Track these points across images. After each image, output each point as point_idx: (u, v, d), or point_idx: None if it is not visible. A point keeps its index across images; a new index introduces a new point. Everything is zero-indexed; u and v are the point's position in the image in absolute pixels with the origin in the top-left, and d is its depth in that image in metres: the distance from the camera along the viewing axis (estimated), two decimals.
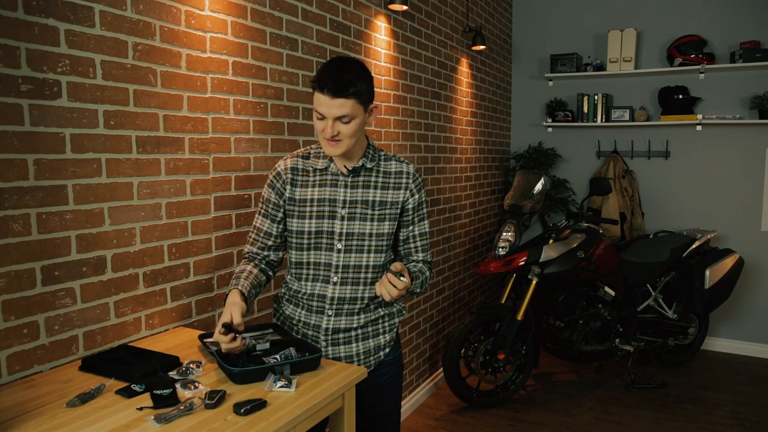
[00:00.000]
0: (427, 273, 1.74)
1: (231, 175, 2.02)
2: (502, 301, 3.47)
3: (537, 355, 3.50)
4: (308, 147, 1.72)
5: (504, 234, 3.45)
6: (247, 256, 1.74)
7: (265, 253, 1.72)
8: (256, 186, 2.12)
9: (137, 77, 1.65)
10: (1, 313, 1.35)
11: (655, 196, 4.56)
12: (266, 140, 2.17)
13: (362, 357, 1.71)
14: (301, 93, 2.34)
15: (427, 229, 1.75)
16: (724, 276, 3.73)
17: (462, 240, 4.03)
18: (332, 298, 1.66)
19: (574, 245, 3.37)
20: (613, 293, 3.60)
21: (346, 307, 1.67)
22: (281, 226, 1.70)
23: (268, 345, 1.55)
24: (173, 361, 1.48)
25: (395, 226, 1.69)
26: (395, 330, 1.79)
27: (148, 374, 1.40)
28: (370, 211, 1.64)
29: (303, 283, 1.69)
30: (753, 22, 4.14)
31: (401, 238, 1.73)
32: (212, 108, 1.93)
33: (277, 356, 1.47)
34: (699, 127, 4.32)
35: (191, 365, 1.45)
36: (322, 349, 1.67)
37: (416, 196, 1.70)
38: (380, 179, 1.67)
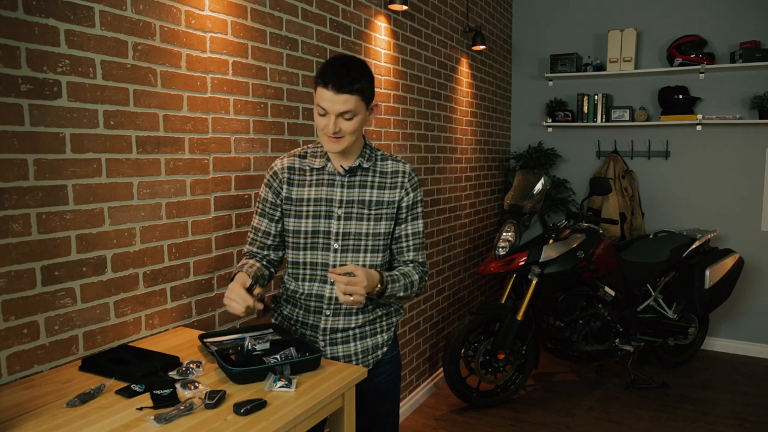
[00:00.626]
0: (415, 276, 1.67)
1: (231, 175, 2.02)
2: (502, 301, 3.47)
3: (537, 355, 3.50)
4: (305, 146, 1.73)
5: (504, 234, 3.45)
6: (247, 255, 1.74)
7: (265, 252, 1.73)
8: (256, 186, 2.12)
9: (137, 77, 1.65)
10: (1, 313, 1.35)
11: (655, 196, 4.56)
12: (266, 140, 2.17)
13: (360, 356, 1.71)
14: (301, 93, 2.34)
15: (421, 229, 1.72)
16: (724, 276, 3.73)
17: (462, 240, 4.03)
18: (330, 298, 1.66)
19: (574, 245, 3.37)
20: (613, 293, 3.60)
21: (344, 307, 1.67)
22: (279, 225, 1.70)
23: (268, 345, 1.55)
24: (173, 361, 1.48)
25: (392, 226, 1.69)
26: (393, 329, 1.79)
27: (148, 374, 1.40)
28: (366, 211, 1.64)
29: (300, 283, 1.69)
30: (753, 22, 4.14)
31: (394, 236, 1.71)
32: (212, 108, 1.93)
33: (277, 356, 1.47)
34: (699, 127, 4.32)
35: (191, 365, 1.45)
36: (321, 349, 1.67)
37: (411, 195, 1.68)
38: (377, 179, 1.66)
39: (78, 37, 1.48)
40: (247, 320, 2.12)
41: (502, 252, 3.41)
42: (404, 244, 1.71)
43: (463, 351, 3.35)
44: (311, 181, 1.66)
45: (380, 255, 1.68)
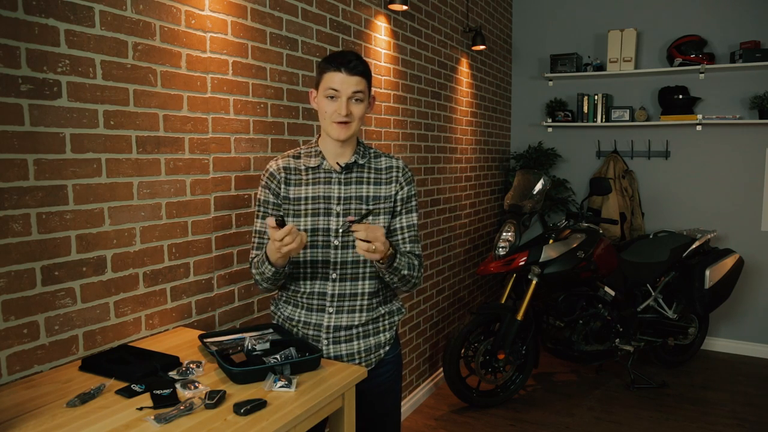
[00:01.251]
0: (415, 262, 1.69)
1: (231, 175, 2.02)
2: (502, 301, 3.47)
3: (537, 355, 3.50)
4: (297, 149, 1.74)
5: (504, 234, 3.45)
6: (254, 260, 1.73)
7: None
8: (256, 186, 2.11)
9: (137, 77, 1.65)
10: (1, 313, 1.35)
11: (655, 196, 4.56)
12: (266, 140, 2.17)
13: (363, 355, 1.71)
14: (301, 93, 2.34)
15: (416, 222, 1.74)
16: (724, 276, 3.74)
17: (462, 240, 4.03)
18: (332, 295, 1.66)
19: (574, 245, 3.37)
20: (613, 293, 3.60)
21: (347, 303, 1.67)
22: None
23: (268, 345, 1.55)
24: (173, 361, 1.48)
25: (389, 220, 1.70)
26: (395, 328, 1.79)
27: (148, 374, 1.40)
28: (365, 207, 1.65)
29: (301, 282, 1.69)
30: (753, 22, 4.14)
31: (390, 229, 1.72)
32: (212, 108, 1.93)
33: (277, 356, 1.47)
34: (699, 127, 4.32)
35: (191, 365, 1.45)
36: (324, 348, 1.67)
37: (405, 189, 1.70)
38: (372, 175, 1.68)
39: (78, 37, 1.48)
40: (247, 320, 2.12)
41: (502, 252, 3.41)
42: (400, 237, 1.71)
43: (463, 351, 3.35)
44: (307, 179, 1.66)
45: None
